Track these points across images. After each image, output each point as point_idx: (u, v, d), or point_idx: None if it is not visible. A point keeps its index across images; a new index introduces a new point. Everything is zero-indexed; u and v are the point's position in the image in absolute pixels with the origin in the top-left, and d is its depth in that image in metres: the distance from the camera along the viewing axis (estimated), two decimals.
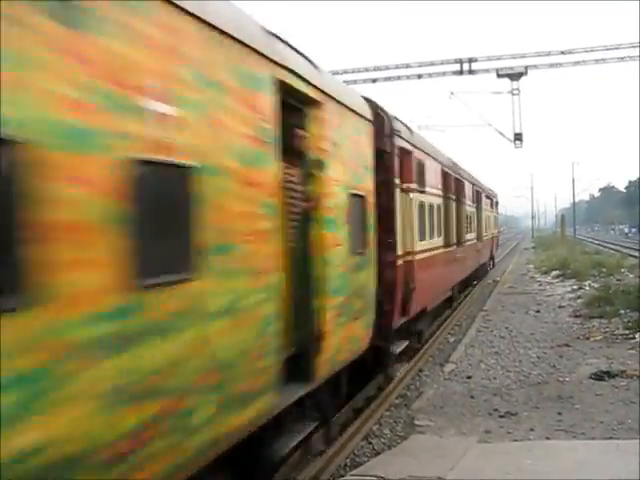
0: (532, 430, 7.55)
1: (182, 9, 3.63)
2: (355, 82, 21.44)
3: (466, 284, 20.96)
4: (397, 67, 23.21)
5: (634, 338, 12.54)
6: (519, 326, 14.75)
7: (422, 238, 11.13)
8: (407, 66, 23.21)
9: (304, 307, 5.67)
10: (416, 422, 8.08)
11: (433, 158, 12.89)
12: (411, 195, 10.38)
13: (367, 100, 8.22)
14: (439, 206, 13.35)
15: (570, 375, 10.07)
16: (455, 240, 15.74)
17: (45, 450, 2.60)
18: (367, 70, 23.11)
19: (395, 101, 23.37)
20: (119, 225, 3.03)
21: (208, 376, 3.81)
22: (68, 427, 2.72)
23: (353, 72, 22.69)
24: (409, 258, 10.05)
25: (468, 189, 19.36)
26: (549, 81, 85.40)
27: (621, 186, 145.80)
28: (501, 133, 25.69)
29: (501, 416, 8.16)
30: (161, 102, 3.41)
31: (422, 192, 11.34)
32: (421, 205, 11.22)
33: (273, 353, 4.77)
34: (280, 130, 5.03)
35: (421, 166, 11.34)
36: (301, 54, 5.74)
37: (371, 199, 7.64)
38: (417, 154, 10.97)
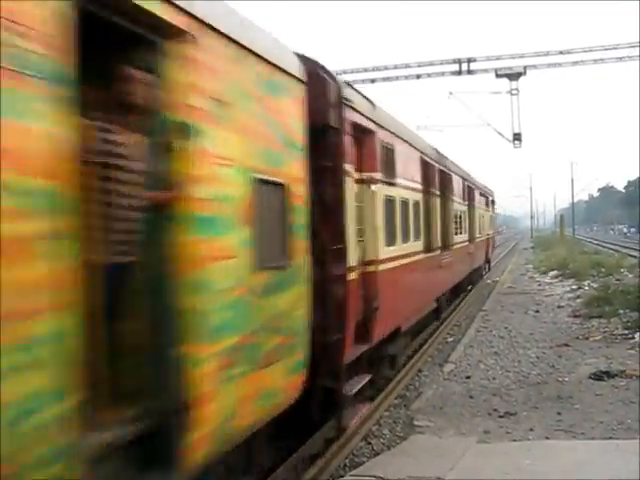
0: (531, 430, 7.55)
1: None
2: (354, 82, 21.43)
3: (457, 292, 19.10)
4: (396, 67, 23.21)
5: (633, 338, 12.54)
6: (518, 326, 14.74)
7: (391, 242, 8.94)
8: (406, 66, 23.21)
9: (155, 362, 3.80)
10: (415, 422, 8.08)
11: (409, 144, 10.62)
12: (373, 187, 8.18)
13: (301, 57, 5.90)
14: (417, 203, 10.98)
15: (569, 375, 10.07)
16: (440, 243, 13.33)
17: None
18: (366, 70, 23.12)
19: (394, 101, 23.39)
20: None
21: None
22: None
23: (352, 72, 22.67)
24: (370, 269, 7.99)
25: (458, 184, 17.24)
26: (548, 81, 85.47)
27: (620, 186, 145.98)
28: (500, 133, 25.70)
29: (500, 416, 8.16)
30: None
31: (391, 184, 9.05)
32: (389, 200, 8.95)
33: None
34: (79, 64, 3.00)
35: (389, 151, 9.03)
36: None
37: (300, 190, 5.49)
38: (383, 136, 8.68)
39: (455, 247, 15.93)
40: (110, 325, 3.78)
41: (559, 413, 8.18)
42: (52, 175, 2.84)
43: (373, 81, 22.98)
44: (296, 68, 5.58)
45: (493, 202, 31.66)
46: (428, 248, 11.93)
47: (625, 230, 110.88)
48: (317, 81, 6.36)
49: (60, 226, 2.88)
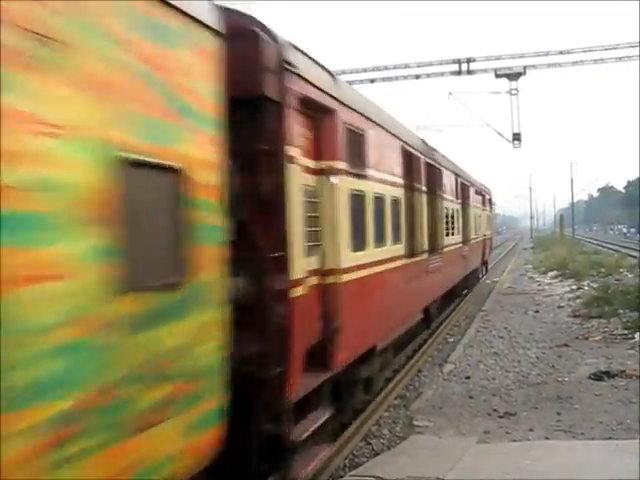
0: (531, 430, 7.55)
1: None
2: (354, 82, 21.44)
3: (451, 298, 17.86)
4: (395, 67, 23.25)
5: (633, 338, 12.56)
6: (518, 326, 14.75)
7: (359, 247, 7.32)
8: (405, 66, 23.25)
9: None
10: (415, 422, 8.09)
11: (385, 130, 8.91)
12: (334, 180, 6.63)
13: (221, 7, 4.52)
14: (397, 200, 9.28)
15: (569, 375, 10.08)
16: (427, 246, 11.52)
17: None
18: (365, 70, 23.15)
19: (394, 101, 23.41)
20: None
21: None
22: None
23: (352, 72, 22.71)
24: (330, 280, 6.50)
25: (450, 181, 15.72)
26: (548, 81, 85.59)
27: (620, 186, 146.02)
28: (500, 133, 25.76)
29: (500, 416, 8.16)
30: None
31: (360, 177, 7.47)
32: (357, 196, 7.37)
33: None
34: None
35: (358, 137, 7.47)
36: None
37: (209, 178, 4.12)
38: (348, 117, 7.09)
39: (446, 250, 14.27)
40: None
41: (559, 413, 8.19)
42: None
43: (373, 81, 23.02)
44: (204, 12, 4.12)
45: (490, 201, 30.44)
46: (412, 252, 10.22)
47: (625, 230, 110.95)
48: (246, 38, 5.03)
49: None
